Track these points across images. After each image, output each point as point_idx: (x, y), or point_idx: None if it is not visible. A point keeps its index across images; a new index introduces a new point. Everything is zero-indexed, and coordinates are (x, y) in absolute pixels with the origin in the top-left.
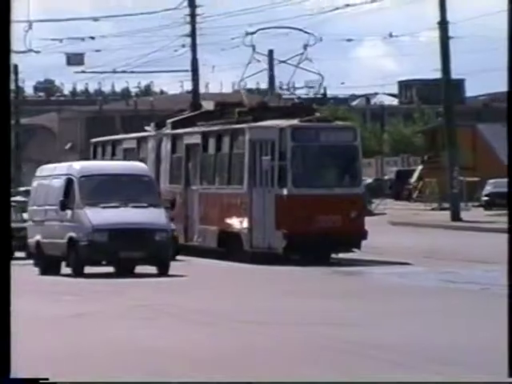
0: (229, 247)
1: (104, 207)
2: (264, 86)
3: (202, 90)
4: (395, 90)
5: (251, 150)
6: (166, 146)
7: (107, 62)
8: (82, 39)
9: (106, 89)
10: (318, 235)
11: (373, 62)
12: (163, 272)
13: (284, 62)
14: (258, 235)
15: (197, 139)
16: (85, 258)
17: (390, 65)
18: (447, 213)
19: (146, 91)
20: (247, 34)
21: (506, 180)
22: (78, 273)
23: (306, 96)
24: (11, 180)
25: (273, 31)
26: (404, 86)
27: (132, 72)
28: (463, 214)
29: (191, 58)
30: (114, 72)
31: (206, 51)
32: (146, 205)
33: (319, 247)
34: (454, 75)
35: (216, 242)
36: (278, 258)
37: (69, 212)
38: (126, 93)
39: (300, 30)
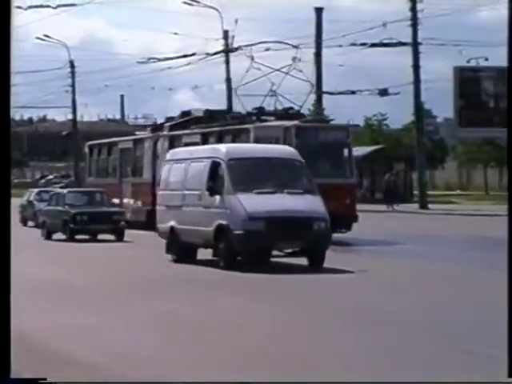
0: None
1: (258, 193)
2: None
3: (78, 118)
4: None
5: None
6: (164, 144)
7: (19, 100)
8: None
9: (17, 117)
10: None
11: (185, 105)
12: (317, 264)
13: (278, 70)
14: None
15: (196, 138)
16: (238, 249)
17: (197, 106)
18: None
19: (44, 119)
20: (247, 45)
21: None
22: (228, 264)
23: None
24: None
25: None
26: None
27: (34, 107)
28: None
29: (72, 99)
30: (23, 107)
31: (81, 94)
32: (301, 191)
33: None
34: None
35: None
36: None
37: (217, 197)
38: (30, 120)
39: (287, 43)
